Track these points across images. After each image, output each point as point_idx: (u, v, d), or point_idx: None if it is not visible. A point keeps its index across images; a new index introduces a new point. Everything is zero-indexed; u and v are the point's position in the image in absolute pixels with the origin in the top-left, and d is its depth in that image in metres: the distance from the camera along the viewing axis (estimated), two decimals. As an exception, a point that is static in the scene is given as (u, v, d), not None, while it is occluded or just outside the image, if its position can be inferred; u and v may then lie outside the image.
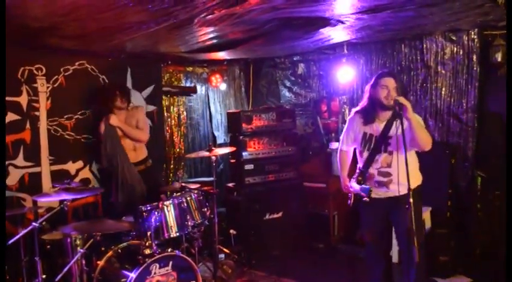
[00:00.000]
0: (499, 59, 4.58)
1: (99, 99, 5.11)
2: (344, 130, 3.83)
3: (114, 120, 4.83)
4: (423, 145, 3.27)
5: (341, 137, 3.86)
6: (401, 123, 3.12)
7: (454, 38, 4.91)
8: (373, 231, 3.72)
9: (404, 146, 3.08)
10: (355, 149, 3.78)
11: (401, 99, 3.17)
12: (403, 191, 3.28)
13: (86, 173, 5.34)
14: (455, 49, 4.93)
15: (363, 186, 3.46)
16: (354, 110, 3.76)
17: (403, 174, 3.23)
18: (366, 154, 3.56)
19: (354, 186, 3.58)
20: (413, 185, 3.30)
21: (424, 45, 5.14)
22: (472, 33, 4.77)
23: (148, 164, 5.26)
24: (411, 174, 3.30)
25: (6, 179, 4.61)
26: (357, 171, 3.64)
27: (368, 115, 3.55)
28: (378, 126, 3.49)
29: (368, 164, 3.52)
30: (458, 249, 4.76)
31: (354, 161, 3.83)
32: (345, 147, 3.82)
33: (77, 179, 5.19)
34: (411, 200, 2.96)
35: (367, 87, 3.59)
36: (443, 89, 5.05)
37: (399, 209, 3.27)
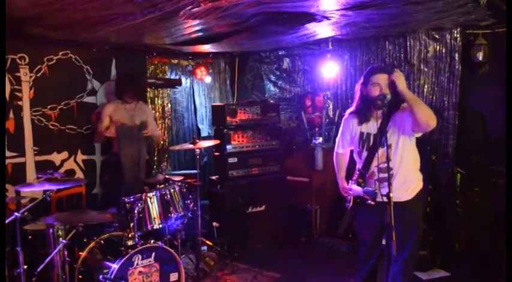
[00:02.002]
0: (481, 58, 4.67)
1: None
2: (339, 132, 3.63)
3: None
4: (426, 120, 3.00)
5: (337, 140, 3.69)
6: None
7: (437, 36, 4.98)
8: (371, 231, 3.51)
9: (385, 141, 3.04)
10: (351, 151, 3.63)
11: (393, 76, 3.07)
12: (405, 197, 3.27)
13: (70, 164, 5.33)
14: (438, 47, 5.00)
15: (368, 188, 3.25)
16: (347, 111, 3.57)
17: (403, 171, 3.24)
18: (364, 154, 3.37)
19: (355, 188, 3.39)
20: (414, 190, 3.33)
21: (408, 43, 5.20)
22: (455, 32, 4.84)
23: (146, 156, 5.37)
24: (411, 172, 3.33)
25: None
26: (356, 172, 3.46)
27: (362, 115, 3.38)
28: (374, 124, 3.27)
29: (368, 164, 3.33)
30: (437, 244, 4.84)
31: (351, 162, 3.67)
32: (341, 149, 3.65)
33: (61, 170, 5.18)
34: (392, 194, 2.87)
35: (358, 86, 3.42)
36: (426, 86, 5.12)
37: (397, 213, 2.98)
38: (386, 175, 3.02)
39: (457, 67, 4.88)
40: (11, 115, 4.82)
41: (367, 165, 3.35)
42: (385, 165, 3.04)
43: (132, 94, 5.18)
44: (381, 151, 3.19)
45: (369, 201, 3.24)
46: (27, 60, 4.91)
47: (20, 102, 4.88)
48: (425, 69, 5.12)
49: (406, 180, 3.30)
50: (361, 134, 3.41)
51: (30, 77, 4.95)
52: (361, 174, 3.38)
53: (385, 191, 2.99)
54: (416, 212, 3.40)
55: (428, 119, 3.02)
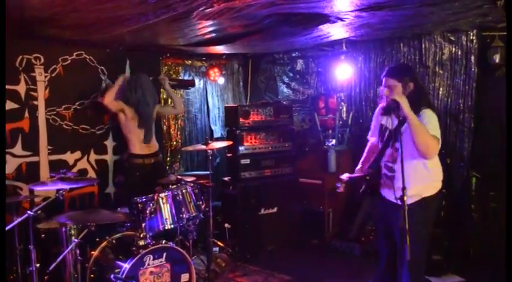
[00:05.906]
0: (497, 61, 4.59)
1: None
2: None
3: None
4: (421, 150, 3.03)
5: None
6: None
7: (452, 38, 4.93)
8: (380, 224, 3.60)
9: (393, 143, 3.16)
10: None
11: (396, 96, 3.07)
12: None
13: (83, 164, 5.35)
14: (453, 49, 4.94)
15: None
16: None
17: (406, 176, 3.00)
18: (380, 146, 3.46)
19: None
20: (413, 197, 3.20)
21: (423, 45, 5.15)
22: (471, 34, 4.78)
23: (160, 158, 5.38)
24: (416, 178, 3.21)
25: (3, 168, 4.62)
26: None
27: (386, 108, 3.34)
28: (393, 120, 3.20)
29: (380, 157, 3.41)
30: (452, 248, 4.79)
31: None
32: (369, 136, 3.74)
33: (74, 169, 5.21)
34: (405, 198, 2.84)
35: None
36: (441, 89, 5.06)
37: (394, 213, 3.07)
38: (390, 174, 3.24)
39: (473, 69, 4.82)
40: (26, 115, 4.86)
41: (379, 158, 3.42)
42: (391, 164, 3.24)
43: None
44: (390, 150, 3.31)
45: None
46: (42, 60, 4.94)
47: (35, 102, 4.92)
48: (441, 72, 5.06)
49: (407, 186, 3.01)
50: (381, 126, 3.48)
51: (45, 77, 4.98)
52: (372, 165, 3.47)
53: (384, 191, 3.26)
54: (415, 218, 3.07)
55: (426, 151, 3.04)
